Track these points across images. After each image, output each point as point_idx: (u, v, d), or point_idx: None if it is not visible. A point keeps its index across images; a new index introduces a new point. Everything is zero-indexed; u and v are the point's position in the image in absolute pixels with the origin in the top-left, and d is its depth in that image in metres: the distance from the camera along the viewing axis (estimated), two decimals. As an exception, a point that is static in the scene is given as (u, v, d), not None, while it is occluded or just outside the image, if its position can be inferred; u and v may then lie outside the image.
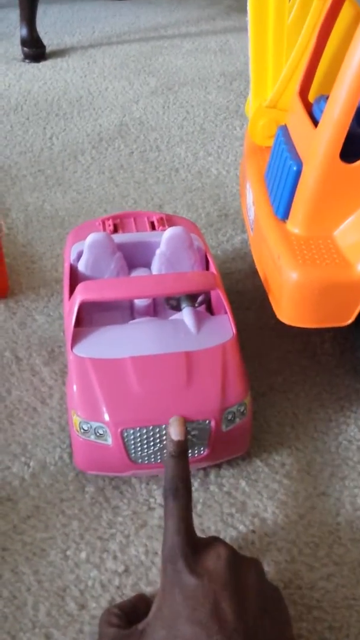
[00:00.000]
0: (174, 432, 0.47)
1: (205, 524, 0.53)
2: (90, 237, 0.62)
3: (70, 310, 0.56)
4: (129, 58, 1.42)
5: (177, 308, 0.60)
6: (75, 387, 0.53)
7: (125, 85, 1.30)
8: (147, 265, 0.65)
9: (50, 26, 1.58)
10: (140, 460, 0.52)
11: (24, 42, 1.40)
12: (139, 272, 0.65)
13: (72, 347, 0.55)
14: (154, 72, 1.35)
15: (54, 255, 0.82)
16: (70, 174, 1.00)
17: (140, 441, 0.51)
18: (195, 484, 0.55)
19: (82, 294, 0.55)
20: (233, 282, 0.78)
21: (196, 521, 0.53)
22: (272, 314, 0.59)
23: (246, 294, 0.77)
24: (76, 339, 0.55)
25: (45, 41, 1.44)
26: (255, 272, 0.66)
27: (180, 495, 0.44)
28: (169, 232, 0.63)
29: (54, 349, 0.68)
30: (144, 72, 1.35)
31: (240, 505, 0.54)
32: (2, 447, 0.58)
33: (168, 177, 1.00)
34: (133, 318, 0.62)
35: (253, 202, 0.66)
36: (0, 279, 0.73)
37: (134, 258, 0.66)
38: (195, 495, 0.55)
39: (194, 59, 1.42)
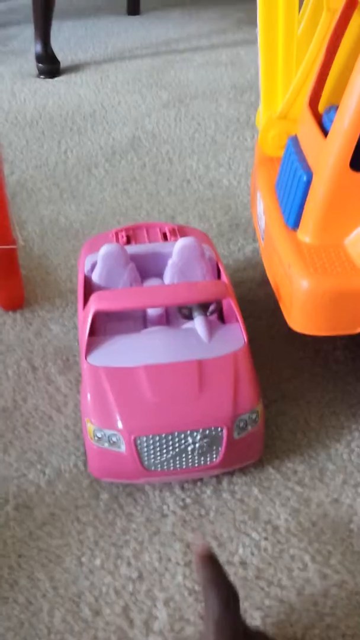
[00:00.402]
0: (197, 546, 0.43)
1: (218, 530, 0.53)
2: (104, 249, 0.63)
3: (85, 319, 0.57)
4: (141, 72, 1.45)
5: (189, 317, 0.61)
6: (89, 396, 0.53)
7: (138, 99, 1.31)
8: (160, 275, 0.66)
9: (64, 42, 1.61)
10: (153, 468, 0.53)
11: (39, 58, 1.43)
12: (151, 282, 0.65)
13: (86, 356, 0.56)
14: (166, 86, 1.37)
15: (68, 267, 0.83)
16: (84, 187, 1.01)
17: (153, 448, 0.52)
18: (208, 491, 0.56)
19: (96, 303, 0.56)
20: (244, 291, 0.79)
21: (209, 528, 0.53)
22: (284, 322, 0.60)
23: (257, 302, 0.77)
24: (90, 348, 0.56)
25: (59, 57, 1.46)
26: (266, 281, 0.67)
27: (217, 597, 0.40)
28: (181, 242, 0.63)
29: (68, 358, 0.69)
30: (156, 85, 1.37)
31: (253, 512, 0.54)
32: (18, 454, 0.59)
33: (180, 188, 1.01)
34: (146, 327, 0.63)
35: (264, 212, 0.67)
36: (16, 291, 0.75)
37: (147, 268, 0.66)
38: (208, 502, 0.55)
39: (205, 72, 1.44)
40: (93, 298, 0.57)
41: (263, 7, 0.67)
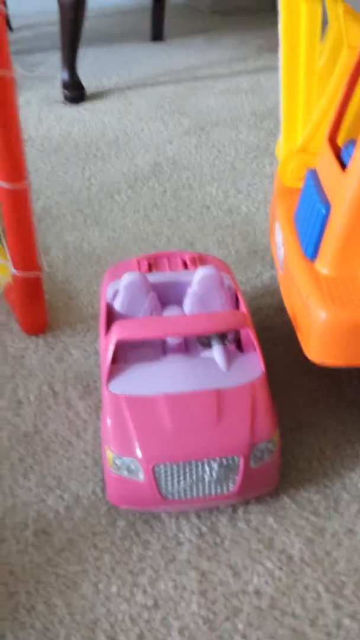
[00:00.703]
0: None
1: (232, 559, 0.54)
2: (126, 278, 0.64)
3: (106, 347, 0.59)
4: (163, 99, 1.48)
5: (208, 345, 0.62)
6: (109, 423, 0.55)
7: (160, 125, 1.34)
8: (179, 302, 0.68)
9: (89, 68, 1.65)
10: (170, 496, 0.53)
11: (65, 85, 1.47)
12: (171, 311, 0.67)
13: (107, 383, 0.57)
14: (187, 113, 1.40)
15: (90, 292, 0.85)
16: (107, 213, 1.04)
17: (171, 477, 0.53)
18: (224, 519, 0.57)
19: (118, 332, 0.58)
20: (262, 318, 0.80)
21: (224, 557, 0.54)
22: (301, 350, 0.60)
23: (275, 329, 0.78)
24: (111, 375, 0.58)
25: (84, 83, 1.50)
26: (283, 309, 0.68)
27: None
28: (201, 271, 0.65)
29: (89, 384, 0.70)
30: (178, 112, 1.40)
31: (268, 541, 0.55)
32: (38, 479, 0.60)
33: (199, 214, 1.03)
34: (165, 354, 0.64)
35: (282, 243, 0.68)
36: (39, 316, 0.76)
37: (167, 296, 0.68)
38: (223, 531, 0.56)
39: (225, 99, 1.46)
40: (115, 327, 0.59)
41: (285, 41, 0.69)
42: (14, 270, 0.73)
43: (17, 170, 0.66)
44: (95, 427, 0.65)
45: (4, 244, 0.72)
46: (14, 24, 2.09)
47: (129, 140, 1.28)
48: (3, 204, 0.68)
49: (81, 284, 0.87)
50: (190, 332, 0.59)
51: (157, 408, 0.55)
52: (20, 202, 0.68)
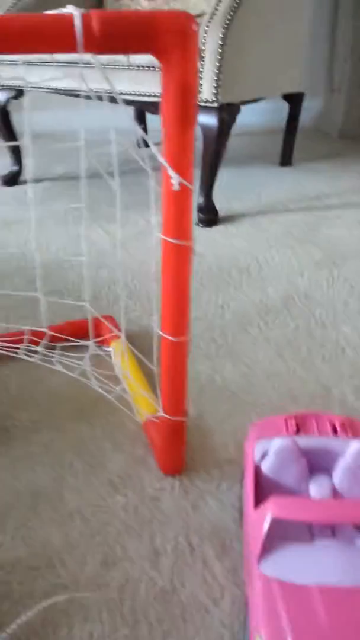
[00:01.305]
0: None
1: None
2: (279, 443, 0.64)
3: (258, 522, 0.58)
4: (293, 226, 1.52)
5: (360, 527, 0.59)
6: (261, 609, 0.53)
7: (290, 255, 1.37)
8: (328, 471, 0.66)
9: (220, 190, 1.74)
10: None
11: (200, 208, 1.55)
12: (319, 480, 0.65)
13: (258, 562, 0.56)
14: (318, 243, 1.42)
15: (223, 432, 0.85)
16: (240, 345, 1.05)
17: None
18: None
19: (275, 511, 0.57)
20: None
21: None
22: None
23: None
24: (262, 554, 0.56)
25: (216, 204, 1.58)
26: None
27: None
28: (356, 446, 0.63)
29: (225, 542, 0.69)
30: (308, 242, 1.43)
31: None
32: (174, 648, 0.58)
33: (334, 356, 1.02)
34: (311, 531, 0.62)
35: None
36: (178, 457, 0.77)
37: (315, 462, 0.66)
38: None
39: (357, 230, 1.48)
40: (272, 503, 0.58)
41: None
42: (161, 413, 0.74)
43: (182, 326, 0.69)
44: (232, 595, 0.63)
45: (157, 384, 0.74)
46: (153, 139, 2.26)
47: (260, 268, 1.32)
48: (163, 352, 0.71)
49: (215, 422, 0.88)
50: (355, 520, 0.57)
51: (311, 600, 0.52)
52: (179, 352, 0.70)
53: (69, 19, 0.54)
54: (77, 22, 0.54)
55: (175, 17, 0.57)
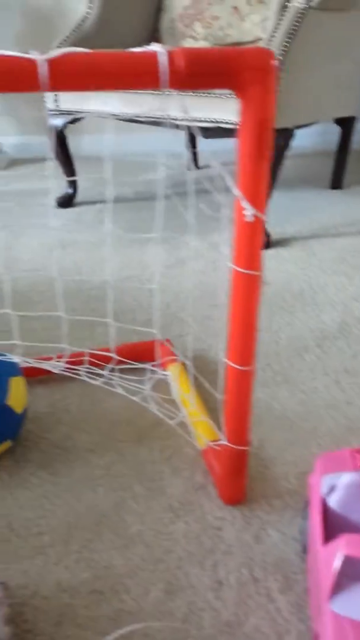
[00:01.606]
0: None
1: None
2: (349, 477, 0.63)
3: (329, 559, 0.57)
4: (346, 252, 1.51)
5: None
6: (334, 650, 0.52)
7: (344, 281, 1.36)
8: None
9: (272, 213, 1.74)
10: None
11: (252, 232, 1.56)
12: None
13: (329, 600, 0.55)
14: (373, 269, 1.41)
15: (284, 462, 0.85)
16: (296, 372, 1.05)
17: None
18: None
19: (348, 549, 0.56)
20: None
21: None
22: None
23: None
24: (333, 592, 0.55)
25: (267, 228, 1.58)
26: None
27: None
28: None
29: (288, 575, 0.68)
30: (363, 267, 1.42)
31: None
32: None
33: (393, 386, 1.00)
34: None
35: None
36: (240, 487, 0.77)
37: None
38: None
39: None
40: (345, 541, 0.57)
41: None
42: (224, 441, 0.74)
43: (248, 355, 0.69)
44: (297, 630, 0.62)
45: (220, 412, 0.75)
46: (202, 161, 2.29)
47: (314, 293, 1.31)
48: (229, 381, 0.71)
49: (274, 451, 0.87)
50: None
51: (386, 642, 0.51)
52: (245, 381, 0.70)
53: (154, 57, 0.55)
54: (163, 60, 0.55)
55: (257, 54, 0.57)
